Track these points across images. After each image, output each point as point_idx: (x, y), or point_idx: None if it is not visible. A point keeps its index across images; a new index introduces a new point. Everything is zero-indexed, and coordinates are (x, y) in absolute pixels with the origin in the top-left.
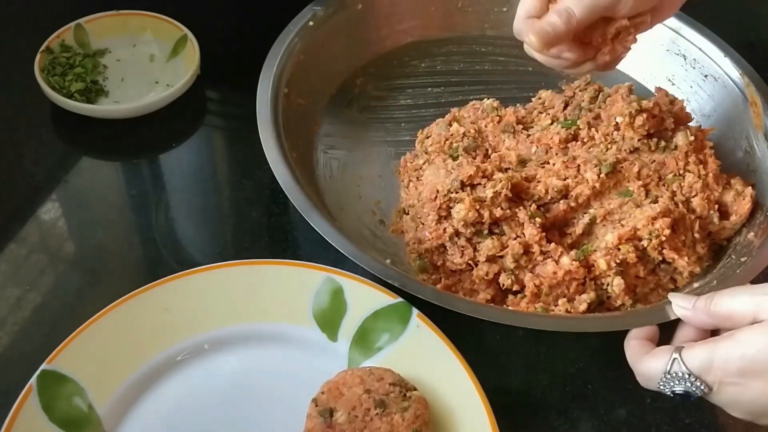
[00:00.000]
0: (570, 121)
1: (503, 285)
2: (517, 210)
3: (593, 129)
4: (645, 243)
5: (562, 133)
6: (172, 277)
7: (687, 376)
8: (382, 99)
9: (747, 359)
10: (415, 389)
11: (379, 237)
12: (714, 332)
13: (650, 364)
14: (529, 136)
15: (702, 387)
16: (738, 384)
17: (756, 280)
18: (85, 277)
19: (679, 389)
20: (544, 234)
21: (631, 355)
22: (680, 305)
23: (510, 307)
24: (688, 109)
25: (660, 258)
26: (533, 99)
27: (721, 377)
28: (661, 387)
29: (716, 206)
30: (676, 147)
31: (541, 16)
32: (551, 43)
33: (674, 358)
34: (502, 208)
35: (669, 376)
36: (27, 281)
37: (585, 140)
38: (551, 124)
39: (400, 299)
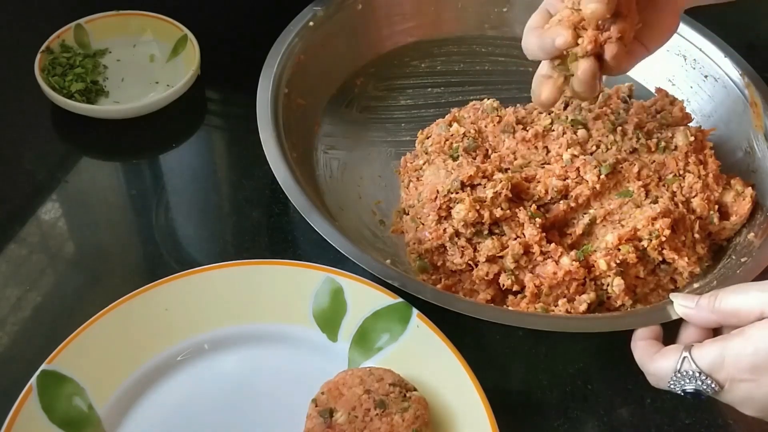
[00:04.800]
0: (574, 120)
1: (503, 285)
2: (517, 210)
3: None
4: (645, 243)
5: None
6: (172, 277)
7: (698, 375)
8: (383, 99)
9: (759, 355)
10: (415, 389)
11: (379, 237)
12: (716, 331)
13: (660, 364)
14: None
15: (713, 385)
16: (750, 381)
17: (756, 280)
18: (85, 277)
19: (689, 388)
20: (544, 234)
21: (641, 355)
22: (682, 304)
23: (510, 308)
24: (688, 110)
25: (660, 258)
26: None
27: (733, 374)
28: (672, 386)
29: (716, 206)
30: (676, 147)
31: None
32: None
33: (684, 357)
34: (502, 209)
35: (680, 375)
36: (27, 281)
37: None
38: (551, 124)
39: (400, 299)
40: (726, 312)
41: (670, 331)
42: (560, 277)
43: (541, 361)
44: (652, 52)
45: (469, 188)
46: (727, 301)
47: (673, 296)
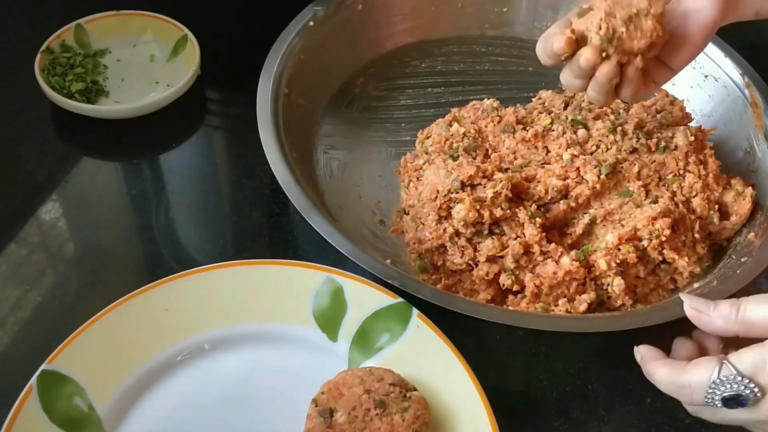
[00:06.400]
0: (574, 120)
1: (503, 285)
2: (517, 210)
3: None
4: (645, 243)
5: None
6: (172, 277)
7: (739, 379)
8: (383, 99)
9: None
10: (415, 389)
11: (379, 237)
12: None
13: (695, 373)
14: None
15: (755, 389)
16: None
17: (756, 281)
18: (85, 277)
19: (729, 394)
20: (544, 234)
21: (669, 371)
22: (695, 307)
23: (510, 307)
24: (688, 110)
25: (660, 258)
26: (533, 99)
27: None
28: (709, 395)
29: (716, 206)
30: (676, 147)
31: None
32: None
33: (723, 363)
34: (502, 208)
35: (719, 381)
36: (27, 281)
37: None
38: (551, 123)
39: (400, 299)
40: (751, 323)
41: (670, 332)
42: (560, 277)
43: (541, 361)
44: (677, 71)
45: (469, 188)
46: (755, 311)
47: (684, 297)
